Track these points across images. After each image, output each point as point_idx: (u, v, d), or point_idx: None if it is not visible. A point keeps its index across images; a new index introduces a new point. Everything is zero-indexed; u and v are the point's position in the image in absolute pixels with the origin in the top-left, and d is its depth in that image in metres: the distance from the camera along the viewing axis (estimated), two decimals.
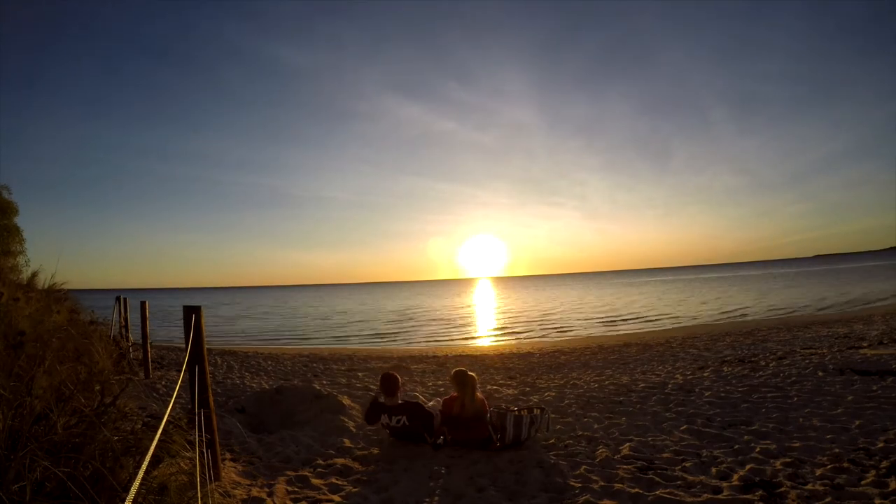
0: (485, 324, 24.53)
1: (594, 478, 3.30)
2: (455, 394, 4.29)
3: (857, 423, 4.09)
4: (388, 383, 4.40)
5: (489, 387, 6.84)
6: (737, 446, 3.74)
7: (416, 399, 5.19)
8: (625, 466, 3.47)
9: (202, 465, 2.19)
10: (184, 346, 3.22)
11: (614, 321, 21.51)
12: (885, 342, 8.36)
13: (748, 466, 3.32)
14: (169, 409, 1.93)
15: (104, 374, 2.75)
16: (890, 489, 2.87)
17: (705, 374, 6.72)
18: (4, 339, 2.41)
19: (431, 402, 4.43)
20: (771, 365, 7.00)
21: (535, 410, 4.27)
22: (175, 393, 2.25)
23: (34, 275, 7.85)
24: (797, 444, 3.69)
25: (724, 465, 3.38)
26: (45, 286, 6.76)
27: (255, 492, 3.17)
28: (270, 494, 3.17)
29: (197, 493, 1.95)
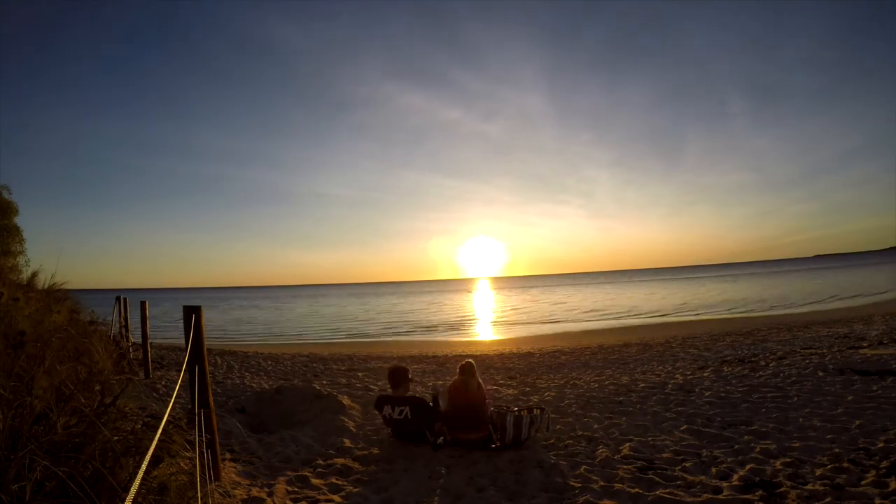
0: (485, 324, 24.53)
1: (594, 478, 3.30)
2: (459, 380, 4.31)
3: (857, 423, 4.09)
4: (395, 375, 4.49)
5: (489, 387, 6.84)
6: (737, 446, 3.74)
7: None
8: (625, 466, 3.47)
9: (202, 465, 2.19)
10: (184, 346, 3.22)
11: (614, 321, 21.51)
12: (885, 342, 8.36)
13: (748, 466, 3.32)
14: (169, 409, 1.93)
15: (104, 374, 2.75)
16: (890, 489, 2.87)
17: (705, 374, 6.72)
18: (4, 339, 2.41)
19: (438, 384, 4.46)
20: (771, 365, 7.00)
21: (535, 410, 4.27)
22: (175, 393, 2.25)
23: (34, 275, 7.86)
24: (797, 444, 3.69)
25: (724, 465, 3.38)
26: (45, 286, 6.76)
27: (255, 492, 3.17)
28: (270, 494, 3.17)
29: (197, 493, 1.95)
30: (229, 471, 3.49)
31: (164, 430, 1.87)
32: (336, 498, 3.18)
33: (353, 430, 4.69)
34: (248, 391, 6.47)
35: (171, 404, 1.99)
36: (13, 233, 10.93)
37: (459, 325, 23.89)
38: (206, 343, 3.41)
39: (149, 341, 7.68)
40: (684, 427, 4.30)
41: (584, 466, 3.50)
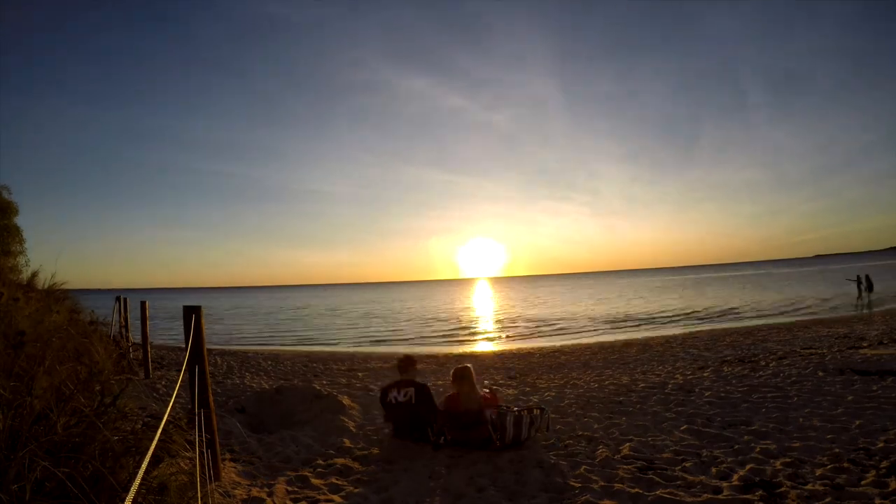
0: (485, 324, 24.53)
1: (594, 478, 3.30)
2: (454, 391, 4.30)
3: (857, 423, 4.09)
4: (404, 361, 4.61)
5: (487, 389, 6.84)
6: (737, 446, 3.74)
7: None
8: (625, 466, 3.47)
9: (202, 465, 2.19)
10: (184, 346, 3.22)
11: (614, 321, 21.50)
12: (885, 342, 8.36)
13: (748, 466, 3.32)
14: (169, 409, 1.92)
15: (104, 374, 2.75)
16: (890, 489, 2.87)
17: (705, 374, 6.72)
18: (4, 339, 2.41)
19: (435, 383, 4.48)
20: (771, 365, 7.00)
21: (535, 410, 4.27)
22: (175, 393, 2.25)
23: (34, 275, 7.85)
24: (797, 444, 3.69)
25: (724, 465, 3.38)
26: (45, 286, 6.76)
27: (255, 492, 3.17)
28: (270, 494, 3.17)
29: (197, 493, 1.95)
30: (229, 471, 3.49)
31: (164, 430, 1.87)
32: (336, 498, 3.18)
33: (353, 430, 4.69)
34: (248, 391, 6.47)
35: (171, 404, 1.99)
36: (13, 233, 10.92)
37: (459, 326, 23.88)
38: (206, 343, 3.41)
39: (149, 341, 7.68)
40: (684, 427, 4.30)
41: (584, 466, 3.50)
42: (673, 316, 22.04)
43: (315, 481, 3.43)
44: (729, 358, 8.31)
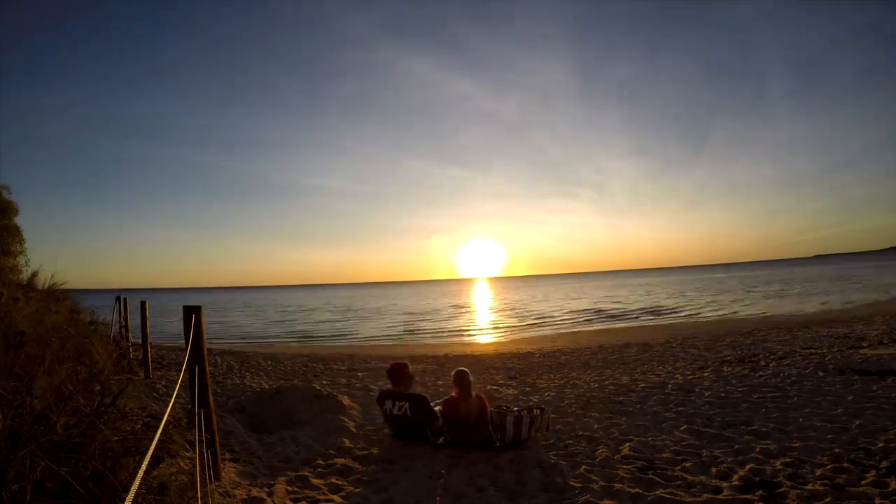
0: (485, 324, 24.53)
1: (594, 478, 3.30)
2: (454, 394, 4.29)
3: (857, 423, 4.09)
4: (394, 371, 4.50)
5: (489, 387, 6.84)
6: (737, 446, 3.74)
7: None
8: (625, 466, 3.47)
9: (202, 465, 2.19)
10: (184, 346, 3.22)
11: (615, 321, 21.52)
12: (885, 342, 8.36)
13: (748, 466, 3.32)
14: (169, 409, 1.93)
15: (104, 374, 2.75)
16: (890, 489, 2.87)
17: (705, 374, 6.72)
18: (4, 339, 2.41)
19: (434, 405, 4.44)
20: (771, 365, 7.00)
21: (535, 410, 4.27)
22: (175, 393, 2.25)
23: (34, 275, 7.84)
24: (797, 444, 3.69)
25: (724, 465, 3.38)
26: (45, 286, 6.76)
27: (255, 492, 3.17)
28: (270, 494, 3.17)
29: (197, 493, 1.95)
30: (229, 471, 3.49)
31: (164, 430, 1.87)
32: (336, 498, 3.18)
33: (353, 430, 4.69)
34: (248, 391, 6.47)
35: (171, 404, 1.99)
36: (13, 233, 10.91)
37: (460, 326, 23.89)
38: (206, 343, 3.41)
39: (149, 341, 7.68)
40: (684, 427, 4.30)
41: (584, 466, 3.50)
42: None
43: (315, 481, 3.43)
44: (729, 358, 8.31)
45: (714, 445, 3.82)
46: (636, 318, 22.04)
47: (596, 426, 4.53)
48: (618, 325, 19.85)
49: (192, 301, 3.83)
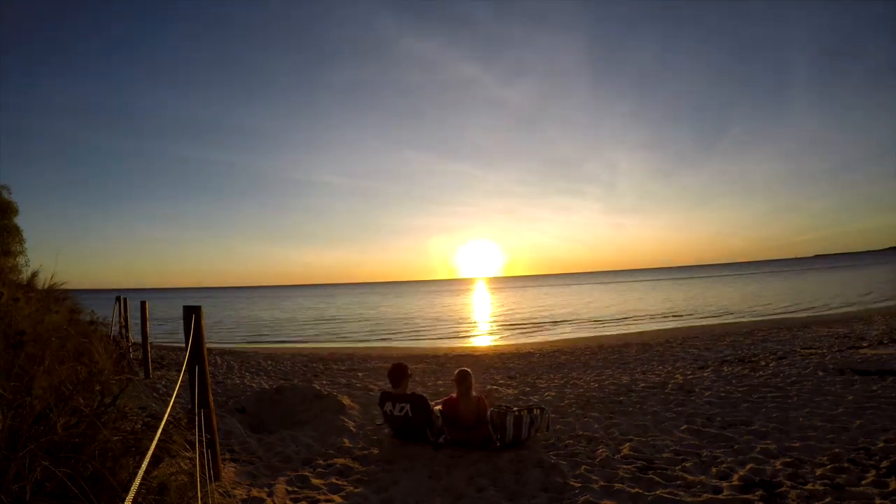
0: (485, 324, 24.54)
1: (594, 478, 3.30)
2: (454, 394, 4.29)
3: (857, 423, 4.09)
4: (394, 373, 4.46)
5: (489, 387, 6.84)
6: (737, 446, 3.74)
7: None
8: (625, 466, 3.47)
9: (202, 465, 2.19)
10: (184, 346, 3.22)
11: (615, 321, 21.52)
12: (885, 342, 8.36)
13: (748, 466, 3.32)
14: (169, 409, 1.92)
15: (104, 374, 2.75)
16: (890, 489, 2.87)
17: (705, 374, 6.72)
18: (4, 339, 2.41)
19: (434, 405, 4.44)
20: (771, 365, 7.00)
21: (535, 410, 4.27)
22: (175, 393, 2.25)
23: (34, 275, 7.84)
24: (797, 444, 3.69)
25: (724, 465, 3.38)
26: (45, 286, 6.75)
27: (255, 492, 3.17)
28: (270, 494, 3.17)
29: (197, 493, 1.95)
30: (229, 471, 3.50)
31: (164, 430, 1.87)
32: (336, 498, 3.18)
33: (353, 430, 4.69)
34: (248, 391, 6.47)
35: (171, 404, 1.99)
36: (13, 233, 10.92)
37: (460, 326, 23.90)
38: (206, 343, 3.41)
39: (149, 341, 7.68)
40: (684, 427, 4.30)
41: (584, 466, 3.50)
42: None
43: (315, 481, 3.43)
44: (729, 358, 8.31)
45: (714, 445, 3.82)
46: (631, 321, 21.98)
47: (596, 426, 4.52)
48: (618, 326, 19.86)
49: (192, 301, 3.83)
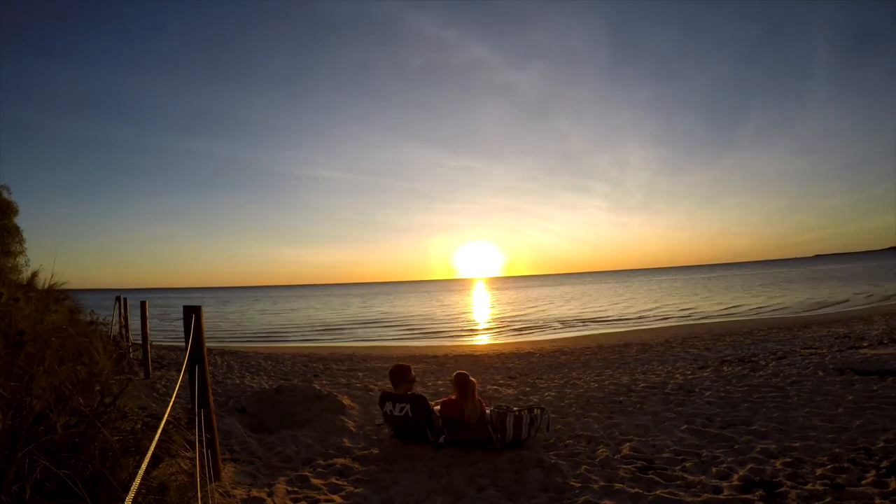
0: (485, 324, 24.53)
1: (594, 478, 3.30)
2: (454, 396, 4.28)
3: (857, 423, 4.09)
4: (395, 373, 4.49)
5: (489, 387, 6.84)
6: (737, 446, 3.74)
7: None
8: (625, 466, 3.47)
9: (202, 465, 2.19)
10: (184, 346, 3.22)
11: (616, 321, 21.52)
12: (885, 342, 8.36)
13: (748, 466, 3.32)
14: (169, 409, 1.92)
15: (104, 374, 2.75)
16: (890, 489, 2.87)
17: (705, 374, 6.72)
18: (4, 339, 2.41)
19: (433, 405, 4.44)
20: (771, 365, 7.00)
21: (535, 410, 4.27)
22: (175, 393, 2.25)
23: (34, 275, 7.85)
24: (797, 444, 3.69)
25: (724, 465, 3.38)
26: (45, 286, 6.76)
27: (255, 492, 3.17)
28: (270, 494, 3.17)
29: (197, 493, 1.95)
30: (229, 471, 3.49)
31: (164, 430, 1.87)
32: (336, 498, 3.18)
33: (353, 430, 4.69)
34: (248, 391, 6.47)
35: (171, 404, 1.99)
36: (13, 233, 10.95)
37: (460, 325, 23.90)
38: (206, 343, 3.41)
39: (149, 341, 7.68)
40: (684, 427, 4.30)
41: (584, 466, 3.50)
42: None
43: (315, 481, 3.43)
44: (729, 358, 8.32)
45: (714, 445, 3.82)
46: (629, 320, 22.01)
47: (596, 426, 4.52)
48: (618, 326, 19.87)
49: (195, 301, 3.84)
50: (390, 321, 27.50)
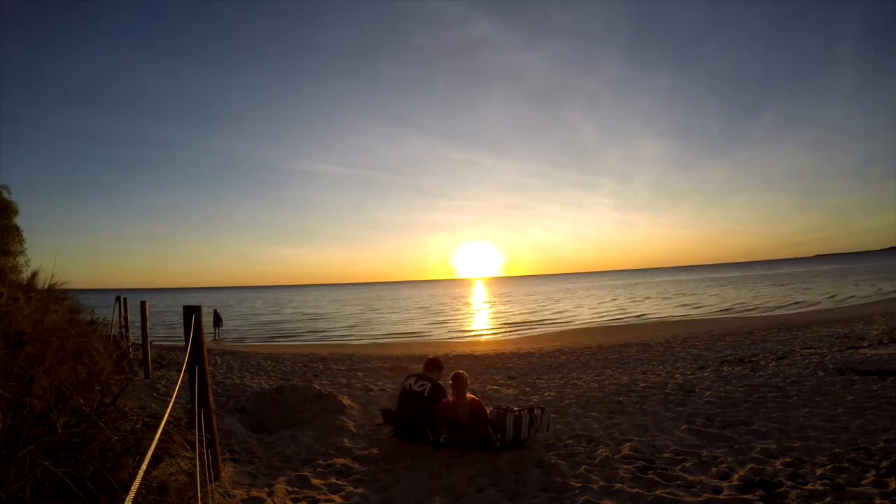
0: (486, 324, 24.53)
1: (594, 478, 3.30)
2: (452, 396, 4.28)
3: (857, 423, 4.09)
4: (431, 361, 4.77)
5: (489, 387, 6.84)
6: (737, 446, 3.74)
7: None
8: (625, 466, 3.47)
9: (202, 465, 2.19)
10: (184, 346, 3.22)
11: (616, 320, 21.52)
12: (885, 342, 8.36)
13: (748, 466, 3.32)
14: (169, 409, 1.92)
15: (104, 374, 2.75)
16: (890, 489, 2.87)
17: (705, 374, 6.72)
18: (4, 339, 2.41)
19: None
20: (771, 365, 7.00)
21: (535, 410, 4.27)
22: (175, 393, 2.25)
23: (34, 275, 7.84)
24: (797, 444, 3.69)
25: (724, 465, 3.38)
26: (45, 286, 6.76)
27: (254, 492, 3.17)
28: (270, 494, 3.17)
29: (197, 493, 1.95)
30: (229, 471, 3.49)
31: (164, 430, 1.87)
32: (336, 498, 3.18)
33: (353, 430, 4.69)
34: (248, 391, 6.47)
35: (171, 404, 1.99)
36: (13, 233, 10.94)
37: (460, 326, 23.89)
38: (206, 343, 3.41)
39: (149, 341, 7.68)
40: (684, 427, 4.30)
41: (584, 466, 3.50)
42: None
43: (315, 481, 3.43)
44: (729, 358, 8.32)
45: (714, 445, 3.82)
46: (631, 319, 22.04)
47: (596, 426, 4.52)
48: (618, 326, 19.87)
49: (195, 301, 3.83)
50: (390, 321, 27.50)
